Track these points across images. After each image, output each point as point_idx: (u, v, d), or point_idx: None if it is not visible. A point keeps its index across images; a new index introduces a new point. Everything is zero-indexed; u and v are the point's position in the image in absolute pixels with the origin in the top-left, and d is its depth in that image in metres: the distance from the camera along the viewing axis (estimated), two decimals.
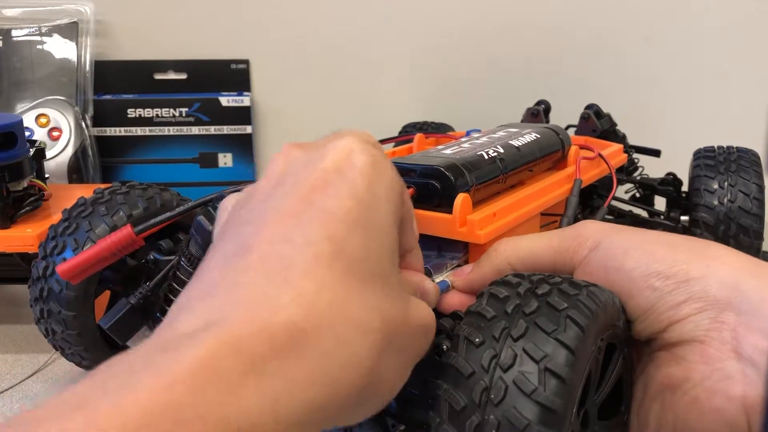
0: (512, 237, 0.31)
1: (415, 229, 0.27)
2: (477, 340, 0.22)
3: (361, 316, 0.19)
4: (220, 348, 0.16)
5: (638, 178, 0.62)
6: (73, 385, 0.16)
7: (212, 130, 0.80)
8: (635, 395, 0.28)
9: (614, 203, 0.59)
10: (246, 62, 0.82)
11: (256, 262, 0.19)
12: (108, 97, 0.79)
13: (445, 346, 0.25)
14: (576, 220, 0.44)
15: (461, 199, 0.34)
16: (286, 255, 0.19)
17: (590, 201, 0.55)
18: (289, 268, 0.19)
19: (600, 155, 0.48)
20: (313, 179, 0.22)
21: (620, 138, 0.64)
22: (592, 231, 0.28)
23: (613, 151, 0.53)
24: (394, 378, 0.21)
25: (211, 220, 0.31)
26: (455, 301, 0.31)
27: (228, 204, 0.25)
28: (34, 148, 0.56)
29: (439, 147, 0.42)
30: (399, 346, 0.21)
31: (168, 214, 0.35)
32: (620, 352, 0.26)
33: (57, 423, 0.14)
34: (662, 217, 0.58)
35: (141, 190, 0.44)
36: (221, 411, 0.15)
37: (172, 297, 0.37)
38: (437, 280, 0.32)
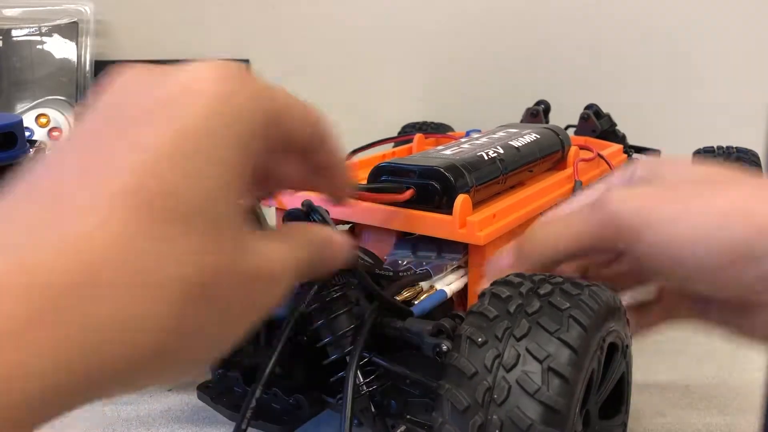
0: (543, 223, 0.30)
1: (302, 122, 0.23)
2: (480, 339, 0.22)
3: (158, 263, 0.16)
4: None
5: None
6: None
7: None
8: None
9: None
10: (246, 62, 0.82)
11: (35, 193, 0.17)
12: None
13: (445, 347, 0.25)
14: None
15: (461, 201, 0.34)
16: (70, 189, 0.16)
17: None
18: (70, 204, 0.16)
19: (601, 156, 0.48)
20: (138, 110, 0.18)
21: (620, 138, 0.64)
22: (629, 212, 0.26)
23: (612, 152, 0.53)
24: (216, 335, 0.19)
25: None
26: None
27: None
28: (34, 149, 0.56)
29: (439, 147, 0.42)
30: (224, 299, 0.18)
31: None
32: (622, 351, 0.26)
33: None
34: None
35: None
36: None
37: None
38: (437, 287, 0.32)
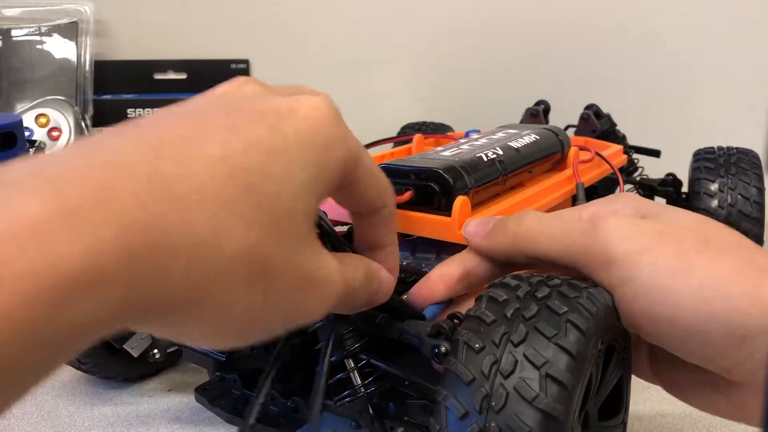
0: (540, 215, 0.29)
1: (390, 225, 0.26)
2: (477, 345, 0.22)
3: (222, 225, 0.17)
4: (53, 212, 0.14)
5: (638, 178, 0.62)
6: None
7: None
8: (653, 348, 0.27)
9: None
10: (246, 62, 0.82)
11: (133, 136, 0.17)
12: (108, 97, 0.79)
13: (443, 348, 0.25)
14: None
15: (460, 202, 0.34)
16: (169, 143, 0.17)
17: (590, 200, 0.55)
18: (163, 154, 0.17)
19: (600, 155, 0.48)
20: (251, 107, 0.20)
21: (620, 138, 0.64)
22: (622, 252, 0.24)
23: (612, 152, 0.53)
24: (256, 313, 0.19)
25: None
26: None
27: None
28: (34, 148, 0.56)
29: (438, 148, 0.42)
30: (277, 285, 0.19)
31: None
32: (620, 352, 0.26)
33: None
34: None
35: None
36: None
37: None
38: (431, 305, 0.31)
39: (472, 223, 0.31)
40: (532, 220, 0.28)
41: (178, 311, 0.17)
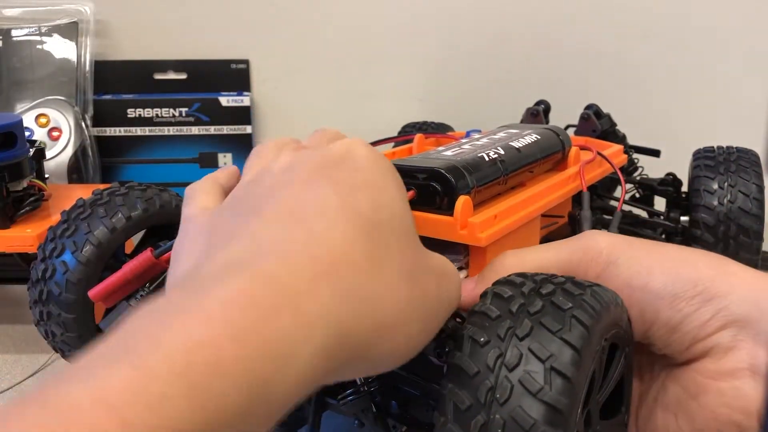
0: (518, 250, 0.31)
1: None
2: (482, 339, 0.22)
3: (378, 255, 0.20)
4: (252, 282, 0.17)
5: (638, 178, 0.62)
6: (100, 343, 0.15)
7: (212, 130, 0.80)
8: (644, 402, 0.28)
9: (613, 203, 0.59)
10: (246, 62, 0.82)
11: (269, 217, 0.21)
12: (108, 97, 0.79)
13: (446, 347, 0.25)
14: (578, 222, 0.44)
15: (462, 202, 0.34)
16: (296, 209, 0.21)
17: (591, 201, 0.55)
18: (301, 217, 0.20)
19: (602, 155, 0.48)
20: (318, 161, 0.23)
21: (620, 138, 0.64)
22: (606, 245, 0.28)
23: (613, 152, 0.53)
24: (422, 316, 0.22)
25: None
26: None
27: (197, 185, 0.28)
28: (34, 148, 0.56)
29: (440, 148, 0.42)
30: (423, 285, 0.22)
31: None
32: (622, 351, 0.26)
33: (101, 374, 0.14)
34: (662, 217, 0.58)
35: (140, 191, 0.44)
36: (259, 335, 0.16)
37: None
38: None
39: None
40: (512, 256, 0.31)
41: (373, 341, 0.20)
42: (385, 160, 0.25)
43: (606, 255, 0.28)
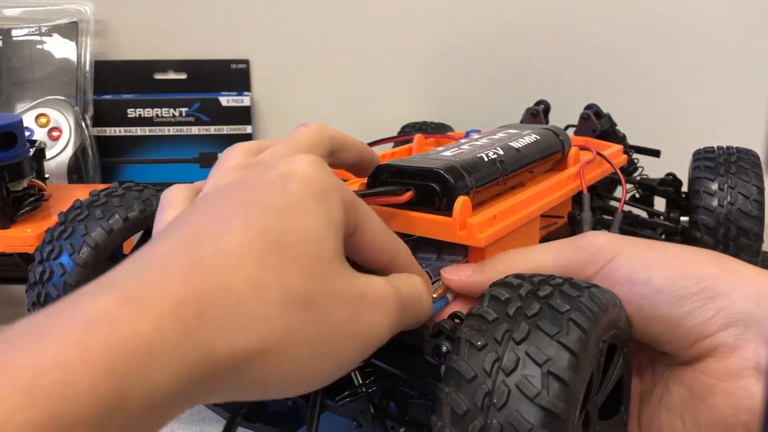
0: (520, 248, 0.31)
1: (385, 235, 0.28)
2: (479, 343, 0.22)
3: (273, 279, 0.20)
4: (116, 303, 0.17)
5: (638, 178, 0.62)
6: None
7: (212, 130, 0.80)
8: (647, 403, 0.28)
9: (613, 203, 0.59)
10: (246, 62, 0.82)
11: (172, 237, 0.21)
12: (108, 97, 0.79)
13: (444, 348, 0.25)
14: (578, 223, 0.44)
15: (461, 202, 0.34)
16: (198, 232, 0.21)
17: (590, 202, 0.55)
18: (197, 242, 0.21)
19: (601, 155, 0.48)
20: (251, 183, 0.24)
21: (620, 138, 0.64)
22: (605, 242, 0.28)
23: (613, 152, 0.53)
24: (325, 350, 0.22)
25: None
26: (454, 308, 0.31)
27: (170, 195, 0.28)
28: (34, 148, 0.56)
29: (439, 148, 0.42)
30: (332, 316, 0.22)
31: None
32: (621, 352, 0.26)
33: None
34: (662, 217, 0.58)
35: (137, 192, 0.44)
36: (112, 356, 0.16)
37: None
38: (435, 296, 0.31)
39: (450, 269, 0.32)
40: (513, 254, 0.31)
41: (247, 365, 0.19)
42: (325, 183, 0.24)
43: (606, 253, 0.28)
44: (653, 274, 0.26)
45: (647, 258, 0.27)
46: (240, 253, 0.20)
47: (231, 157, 0.29)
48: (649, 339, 0.27)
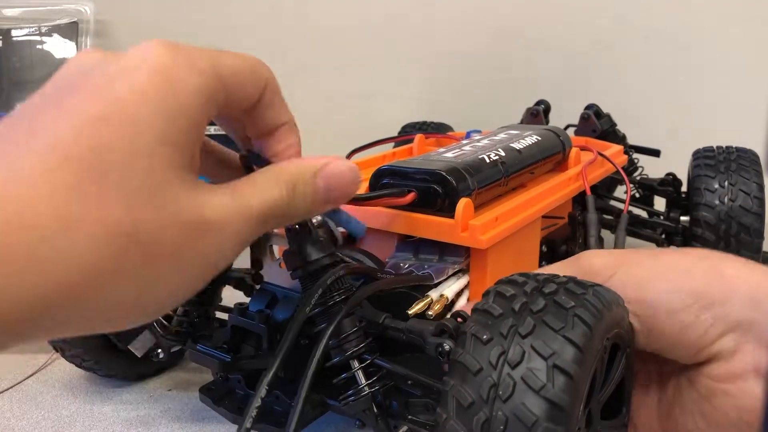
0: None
1: (277, 102, 0.27)
2: (485, 337, 0.22)
3: (84, 210, 0.18)
4: None
5: (638, 178, 0.62)
6: None
7: (212, 130, 0.80)
8: (661, 404, 0.29)
9: (613, 203, 0.59)
10: None
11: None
12: None
13: (447, 347, 0.25)
14: (581, 224, 0.43)
15: (463, 204, 0.34)
16: (3, 152, 0.18)
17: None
18: (5, 161, 0.18)
19: (606, 157, 0.48)
20: (81, 83, 0.20)
21: (620, 138, 0.64)
22: (601, 264, 0.28)
23: (613, 152, 0.53)
24: (154, 281, 0.20)
25: None
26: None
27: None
28: None
29: (441, 150, 0.42)
30: (163, 246, 0.19)
31: None
32: (623, 352, 0.26)
33: None
34: (662, 217, 0.58)
35: None
36: None
37: None
38: (438, 308, 0.32)
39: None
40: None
41: (52, 310, 0.17)
42: (174, 72, 0.20)
43: (602, 275, 0.28)
44: (647, 292, 0.27)
45: (641, 275, 0.27)
46: (46, 180, 0.17)
47: (84, 53, 0.23)
48: (655, 351, 0.27)
